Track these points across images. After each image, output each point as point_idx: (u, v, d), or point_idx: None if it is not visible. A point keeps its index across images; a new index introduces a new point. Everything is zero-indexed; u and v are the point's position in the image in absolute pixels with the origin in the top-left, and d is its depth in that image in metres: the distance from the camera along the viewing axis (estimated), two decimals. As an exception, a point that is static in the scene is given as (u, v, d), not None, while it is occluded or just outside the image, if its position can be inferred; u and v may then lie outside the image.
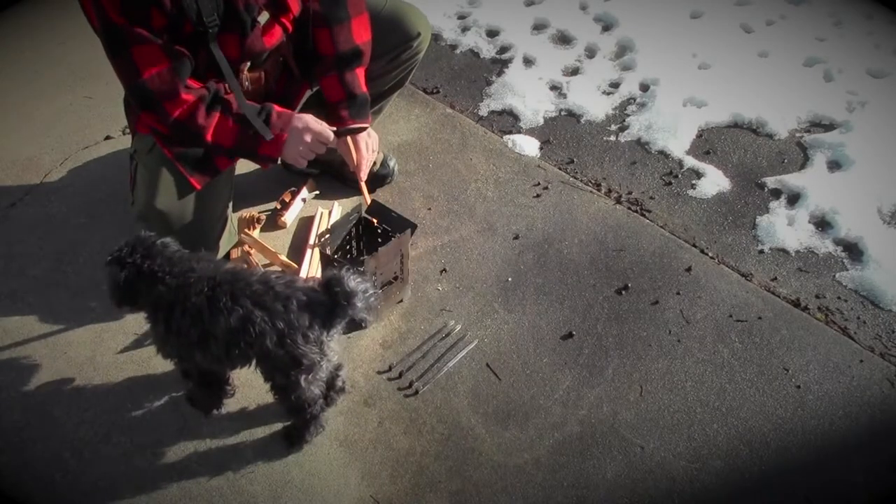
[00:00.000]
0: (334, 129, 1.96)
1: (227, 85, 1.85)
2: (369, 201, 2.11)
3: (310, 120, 1.90)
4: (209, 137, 1.82)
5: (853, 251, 2.43)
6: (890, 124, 2.84)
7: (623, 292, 2.26)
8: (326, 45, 1.97)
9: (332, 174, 2.55)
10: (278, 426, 1.89)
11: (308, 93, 2.21)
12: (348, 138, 2.04)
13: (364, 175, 2.10)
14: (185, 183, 1.96)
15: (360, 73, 2.02)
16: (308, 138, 1.89)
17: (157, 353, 1.72)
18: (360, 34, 1.99)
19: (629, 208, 2.55)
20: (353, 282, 1.57)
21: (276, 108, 1.88)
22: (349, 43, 1.96)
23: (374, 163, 2.52)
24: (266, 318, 1.54)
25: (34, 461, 1.84)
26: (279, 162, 2.06)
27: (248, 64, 1.95)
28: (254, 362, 1.65)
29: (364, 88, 2.04)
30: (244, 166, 2.24)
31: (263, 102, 1.88)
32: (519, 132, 2.87)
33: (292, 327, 1.55)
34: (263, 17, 1.90)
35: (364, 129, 2.04)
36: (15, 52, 3.21)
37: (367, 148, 2.08)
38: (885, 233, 2.48)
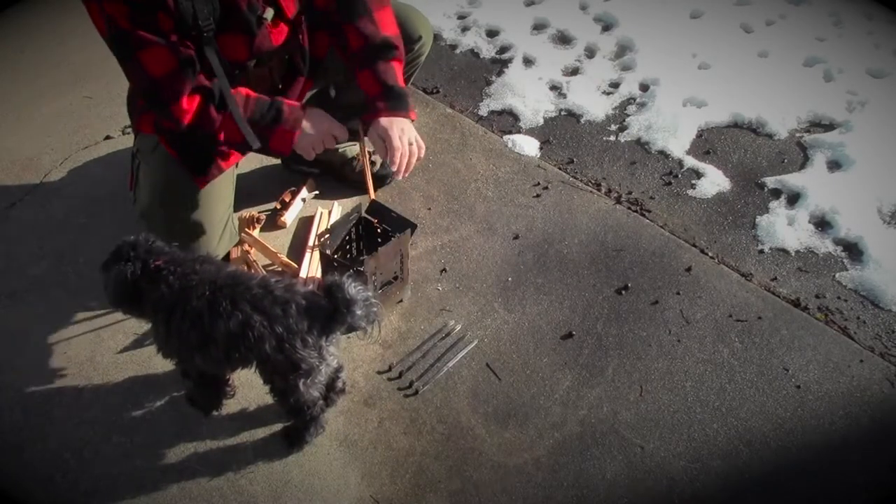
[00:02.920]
0: (349, 125, 1.94)
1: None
2: (373, 195, 2.10)
3: (323, 114, 1.92)
4: (221, 136, 1.83)
5: (853, 251, 2.43)
6: (890, 124, 2.84)
7: (623, 292, 2.26)
8: (355, 40, 1.94)
9: (333, 174, 2.55)
10: (278, 426, 1.89)
11: (310, 92, 2.22)
12: (377, 132, 1.92)
13: (401, 173, 1.93)
14: (188, 182, 1.96)
15: (396, 65, 1.96)
16: (320, 131, 1.90)
17: (157, 352, 1.72)
18: (387, 26, 1.95)
19: (629, 208, 2.55)
20: (353, 289, 1.57)
21: (287, 102, 1.88)
22: (377, 35, 1.92)
23: (374, 163, 2.52)
24: (265, 323, 1.54)
25: (34, 461, 1.84)
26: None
27: (255, 62, 1.95)
28: (254, 365, 1.65)
29: (402, 82, 1.96)
30: (245, 166, 2.25)
31: (273, 97, 1.88)
32: (519, 132, 2.87)
33: (291, 332, 1.55)
34: (269, 14, 1.88)
35: (385, 119, 1.92)
36: (15, 52, 3.21)
37: (399, 140, 1.90)
38: (885, 233, 2.48)
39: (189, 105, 1.76)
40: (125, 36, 1.66)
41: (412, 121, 1.96)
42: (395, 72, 1.95)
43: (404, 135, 1.91)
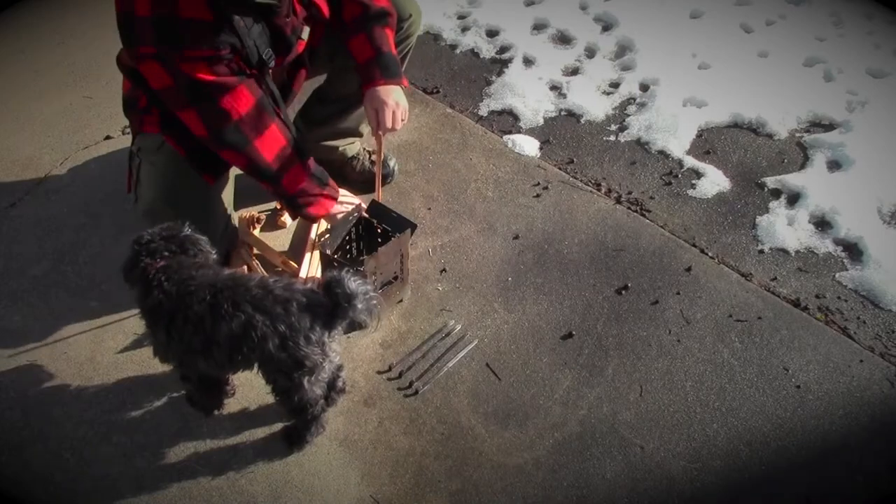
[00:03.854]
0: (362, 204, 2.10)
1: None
2: (380, 195, 2.12)
3: (348, 193, 2.12)
4: (284, 182, 1.91)
5: (853, 251, 2.43)
6: (890, 124, 2.84)
7: (623, 292, 2.26)
8: (350, 9, 1.97)
9: (332, 174, 2.54)
10: (278, 426, 1.89)
11: (306, 80, 2.23)
12: (372, 103, 1.97)
13: (381, 139, 2.05)
14: (195, 180, 1.97)
15: (389, 32, 2.00)
16: (344, 209, 2.07)
17: (154, 355, 1.72)
18: (381, 0, 2.00)
19: (629, 208, 2.55)
20: (353, 283, 1.57)
21: (330, 180, 2.03)
22: (372, 4, 1.97)
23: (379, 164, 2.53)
24: (267, 322, 1.54)
25: (34, 461, 1.84)
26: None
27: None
28: (256, 366, 1.65)
29: (393, 49, 2.00)
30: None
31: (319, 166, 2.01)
32: (519, 132, 2.87)
33: (294, 330, 1.55)
34: (305, 34, 1.93)
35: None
36: (15, 52, 3.21)
37: (390, 117, 1.97)
38: (885, 233, 2.48)
39: (281, 139, 1.86)
40: (204, 85, 1.68)
41: (404, 87, 2.01)
42: (389, 38, 2.00)
43: (398, 108, 1.96)
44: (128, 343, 2.08)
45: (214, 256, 1.75)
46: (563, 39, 3.35)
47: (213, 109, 1.73)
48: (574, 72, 3.17)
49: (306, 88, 2.25)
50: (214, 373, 1.76)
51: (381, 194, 2.16)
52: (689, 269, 2.33)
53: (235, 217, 2.23)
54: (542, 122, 2.92)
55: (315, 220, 2.05)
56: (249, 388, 1.96)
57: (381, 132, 1.99)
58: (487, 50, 3.28)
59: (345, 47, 2.02)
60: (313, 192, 1.97)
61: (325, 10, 1.94)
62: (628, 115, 2.95)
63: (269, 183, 1.94)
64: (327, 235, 2.03)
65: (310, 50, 2.08)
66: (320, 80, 2.35)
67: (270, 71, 1.93)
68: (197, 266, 1.64)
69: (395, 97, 1.96)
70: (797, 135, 2.88)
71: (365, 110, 2.01)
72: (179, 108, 1.76)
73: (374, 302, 1.63)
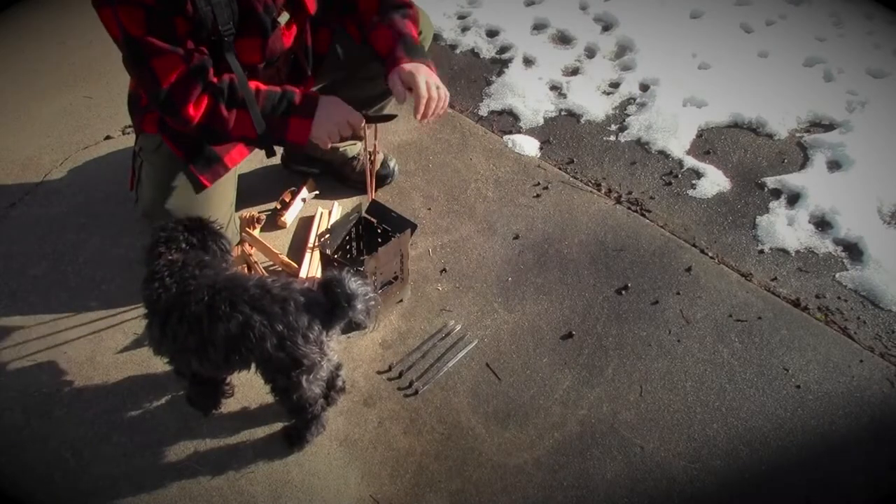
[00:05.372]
0: (364, 112, 1.88)
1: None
2: (373, 195, 2.11)
3: (337, 100, 1.85)
4: (234, 133, 1.81)
5: (853, 251, 2.43)
6: (890, 124, 2.84)
7: (623, 292, 2.26)
8: (367, 3, 1.93)
9: (333, 174, 2.55)
10: (278, 426, 1.89)
11: (313, 89, 2.23)
12: (404, 79, 1.81)
13: (426, 117, 1.81)
14: (194, 181, 1.96)
15: (410, 24, 1.91)
16: (335, 118, 1.83)
17: (148, 346, 1.72)
18: None
19: (629, 208, 2.55)
20: (353, 284, 1.58)
21: (298, 91, 1.83)
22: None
23: (374, 162, 2.52)
24: (265, 322, 1.54)
25: (34, 461, 1.84)
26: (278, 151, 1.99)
27: (265, 63, 1.96)
28: (253, 366, 1.65)
29: (416, 36, 1.89)
30: (245, 166, 2.24)
31: (284, 87, 1.82)
32: (519, 132, 2.87)
33: (292, 329, 1.55)
34: (283, 18, 1.88)
35: (391, 117, 1.92)
36: (15, 52, 3.21)
37: (425, 85, 1.79)
38: (885, 233, 2.48)
39: (195, 111, 1.76)
40: (137, 43, 1.65)
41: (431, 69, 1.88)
42: (411, 29, 1.91)
43: (431, 78, 1.81)
44: (128, 343, 2.08)
45: (230, 258, 1.75)
46: (563, 39, 3.35)
47: (148, 71, 1.69)
48: (574, 72, 3.17)
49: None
50: (208, 373, 1.76)
51: (381, 195, 2.15)
52: (689, 269, 2.33)
53: (236, 217, 2.23)
54: (542, 122, 2.92)
55: (302, 145, 1.85)
56: (249, 388, 1.96)
57: (422, 108, 1.79)
58: (487, 50, 3.28)
59: (364, 48, 1.94)
60: (278, 126, 1.81)
61: (311, 3, 1.89)
62: (628, 115, 2.95)
63: (224, 140, 1.88)
64: (327, 235, 2.03)
65: (316, 56, 2.07)
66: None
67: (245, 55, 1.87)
68: (203, 265, 1.65)
69: (423, 73, 1.80)
70: (797, 135, 2.88)
71: (394, 94, 1.83)
72: (130, 68, 1.75)
73: (374, 303, 1.64)
